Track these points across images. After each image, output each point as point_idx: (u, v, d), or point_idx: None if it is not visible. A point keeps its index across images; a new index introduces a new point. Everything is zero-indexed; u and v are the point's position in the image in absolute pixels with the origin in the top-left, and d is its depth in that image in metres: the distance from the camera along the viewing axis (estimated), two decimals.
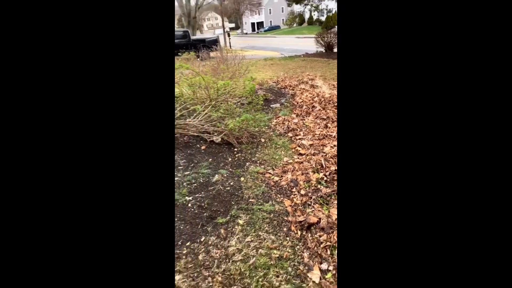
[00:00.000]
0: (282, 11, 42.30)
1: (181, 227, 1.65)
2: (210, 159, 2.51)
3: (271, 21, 41.99)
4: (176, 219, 1.70)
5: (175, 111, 2.90)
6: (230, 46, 15.46)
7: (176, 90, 3.15)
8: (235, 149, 2.78)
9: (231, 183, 2.15)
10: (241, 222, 1.72)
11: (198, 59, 10.06)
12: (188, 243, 1.53)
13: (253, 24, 43.08)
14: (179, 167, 2.29)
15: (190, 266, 1.38)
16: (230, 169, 2.38)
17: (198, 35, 14.52)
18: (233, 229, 1.66)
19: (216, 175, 2.22)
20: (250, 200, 1.96)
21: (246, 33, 39.90)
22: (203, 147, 2.74)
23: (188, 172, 2.21)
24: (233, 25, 43.47)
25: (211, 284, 1.29)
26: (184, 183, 2.06)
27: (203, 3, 17.77)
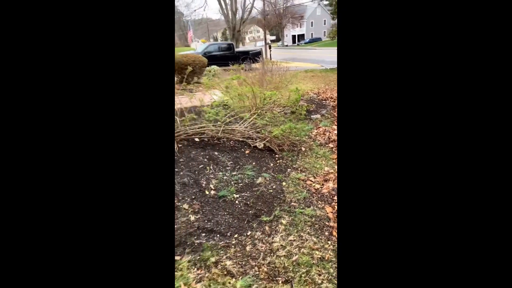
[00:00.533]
0: (324, 24, 42.23)
1: (230, 221, 1.81)
2: (254, 163, 2.68)
3: (312, 34, 42.14)
4: (225, 213, 1.88)
5: (224, 117, 3.14)
6: (271, 58, 15.88)
7: (225, 98, 3.42)
8: (277, 156, 2.92)
9: (274, 186, 2.28)
10: (284, 222, 1.83)
11: (242, 70, 10.59)
12: (236, 235, 1.68)
13: (294, 36, 43.66)
14: (227, 167, 2.49)
15: (238, 255, 1.53)
16: (272, 174, 2.52)
17: (241, 47, 15.22)
18: (277, 228, 1.77)
19: (260, 177, 2.37)
20: (292, 203, 2.06)
21: (287, 45, 40.53)
22: (247, 152, 2.93)
23: (235, 173, 2.40)
24: (274, 37, 44.52)
25: (257, 272, 1.41)
26: (232, 182, 2.24)
27: (248, 18, 18.61)
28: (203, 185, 2.18)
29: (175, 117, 3.16)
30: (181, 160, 2.63)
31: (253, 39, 44.68)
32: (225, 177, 2.31)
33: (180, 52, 15.45)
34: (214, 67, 8.16)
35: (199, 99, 3.66)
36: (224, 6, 17.83)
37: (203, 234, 1.66)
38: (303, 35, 42.62)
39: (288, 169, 2.65)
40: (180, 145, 3.00)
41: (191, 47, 25.15)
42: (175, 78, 7.02)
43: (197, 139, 3.16)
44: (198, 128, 3.15)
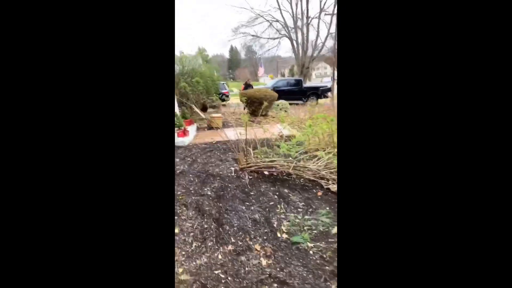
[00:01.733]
0: None
1: (304, 274, 1.60)
2: (328, 208, 2.44)
3: None
4: (299, 264, 1.68)
5: (296, 153, 3.05)
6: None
7: (298, 133, 3.36)
8: None
9: None
10: None
11: (307, 104, 10.66)
12: None
13: None
14: (298, 209, 2.32)
15: None
16: None
17: (308, 83, 15.46)
18: None
19: (335, 227, 2.12)
20: None
21: None
22: (319, 193, 2.71)
23: (308, 217, 2.20)
24: None
25: None
26: (305, 227, 2.05)
27: (317, 55, 19.10)
28: (275, 225, 2.05)
29: (249, 148, 3.21)
30: (252, 193, 2.58)
31: (319, 75, 45.33)
32: (297, 220, 2.14)
33: (242, 84, 16.60)
34: (282, 101, 8.37)
35: (271, 133, 3.68)
36: (295, 45, 18.80)
37: (275, 285, 1.49)
38: None
39: None
40: (250, 177, 2.99)
41: (261, 81, 26.86)
42: (246, 110, 7.40)
43: (266, 173, 3.12)
44: (269, 161, 3.11)
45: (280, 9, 19.24)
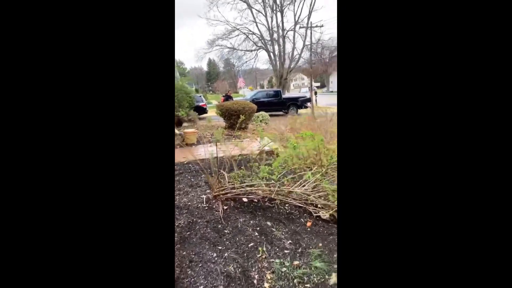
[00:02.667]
0: None
1: None
2: (320, 243, 1.98)
3: None
4: None
5: (279, 175, 2.60)
6: (317, 103, 15.65)
7: (281, 150, 2.93)
8: None
9: None
10: None
11: (287, 115, 10.39)
12: None
13: None
14: (285, 250, 1.84)
15: None
16: None
17: (287, 94, 15.35)
18: None
19: (334, 274, 1.66)
20: None
21: (332, 91, 40.67)
22: (308, 223, 2.26)
23: (298, 262, 1.73)
24: (318, 84, 45.40)
25: None
26: (295, 280, 1.57)
27: (295, 67, 19.24)
28: (255, 280, 1.55)
29: (223, 172, 2.72)
30: (226, 231, 2.07)
31: (297, 86, 46.11)
32: (284, 268, 1.66)
33: (222, 95, 16.22)
34: (262, 113, 8.01)
35: (250, 150, 3.22)
36: (273, 57, 18.82)
37: None
38: None
39: None
40: (225, 207, 2.48)
41: (240, 93, 26.61)
42: (224, 124, 6.93)
43: (245, 199, 2.63)
44: (248, 186, 2.63)
45: (256, 22, 19.33)
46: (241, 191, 2.60)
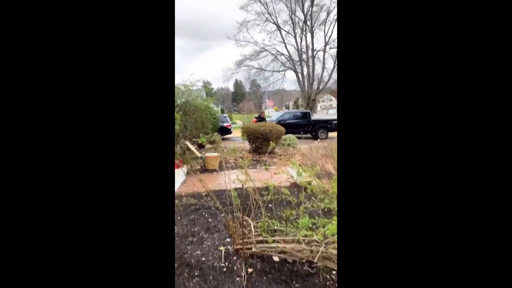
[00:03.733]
0: None
1: None
2: None
3: None
4: None
5: (324, 230, 1.92)
6: None
7: (314, 183, 2.27)
8: None
9: None
10: None
11: (318, 140, 9.64)
12: None
13: None
14: None
15: None
16: None
17: (315, 116, 14.63)
18: None
19: None
20: None
21: None
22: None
23: None
24: None
25: None
26: None
27: (323, 88, 18.67)
28: None
29: (248, 219, 2.10)
30: None
31: (325, 107, 45.24)
32: None
33: (254, 116, 15.88)
34: (290, 136, 7.40)
35: (279, 179, 2.59)
36: (301, 78, 18.47)
37: None
38: None
39: None
40: (250, 269, 1.84)
41: (265, 114, 26.36)
42: (249, 147, 6.41)
43: (276, 258, 1.97)
44: (280, 241, 1.98)
45: (284, 43, 19.32)
46: (271, 246, 1.95)
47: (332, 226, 1.36)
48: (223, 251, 2.06)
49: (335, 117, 12.78)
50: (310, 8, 18.35)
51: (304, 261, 1.92)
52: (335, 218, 1.74)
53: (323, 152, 5.30)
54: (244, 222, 2.12)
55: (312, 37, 18.87)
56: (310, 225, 1.94)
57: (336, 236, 1.86)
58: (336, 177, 2.65)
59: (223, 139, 9.82)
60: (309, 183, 2.83)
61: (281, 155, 6.47)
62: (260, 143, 6.20)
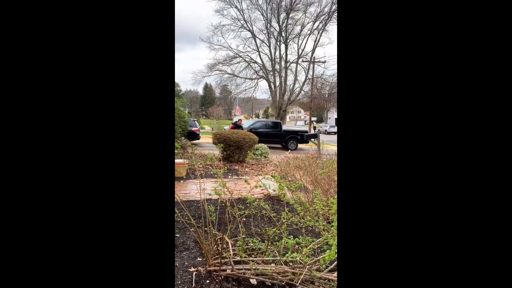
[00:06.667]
0: None
1: None
2: None
3: None
4: None
5: (307, 248, 1.78)
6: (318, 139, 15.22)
7: (289, 196, 2.15)
8: None
9: None
10: None
11: (288, 151, 9.69)
12: None
13: (336, 119, 44.60)
14: None
15: None
16: None
17: (284, 127, 14.81)
18: None
19: None
20: None
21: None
22: None
23: None
24: (315, 118, 46.05)
25: None
26: None
27: (295, 99, 19.18)
28: None
29: (225, 237, 1.88)
30: None
31: (293, 119, 46.57)
32: None
33: (225, 125, 15.58)
34: (262, 145, 7.31)
35: (250, 189, 2.42)
36: (273, 88, 18.75)
37: None
38: None
39: None
40: None
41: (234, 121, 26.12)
42: (219, 154, 6.16)
43: (253, 281, 1.79)
44: (259, 262, 1.81)
45: (259, 51, 19.53)
46: (250, 268, 1.76)
47: (330, 252, 1.22)
48: (193, 273, 1.81)
49: (304, 128, 13.08)
50: (286, 20, 18.91)
51: (283, 283, 1.76)
52: (330, 241, 1.61)
53: (298, 164, 5.27)
54: (219, 240, 1.91)
55: (286, 48, 19.42)
56: (295, 244, 1.79)
57: (320, 258, 1.74)
58: (316, 192, 2.56)
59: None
60: (283, 195, 2.69)
61: (253, 164, 6.32)
62: (232, 151, 5.99)
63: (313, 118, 27.82)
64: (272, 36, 19.27)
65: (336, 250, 1.31)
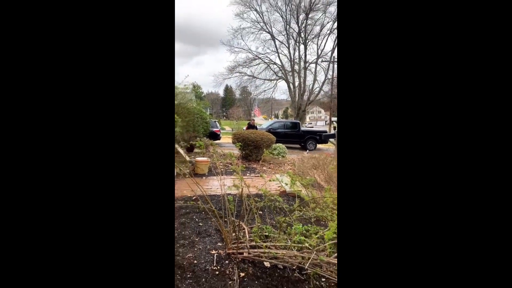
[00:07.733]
0: None
1: None
2: None
3: None
4: None
5: (315, 238, 1.98)
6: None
7: (304, 193, 2.34)
8: None
9: None
10: None
11: (307, 151, 9.79)
12: None
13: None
14: None
15: None
16: None
17: (303, 127, 14.86)
18: None
19: None
20: None
21: None
22: None
23: None
24: (335, 118, 45.25)
25: None
26: None
27: (314, 99, 19.09)
28: None
29: (242, 224, 2.14)
30: None
31: (313, 119, 46.08)
32: None
33: (244, 126, 15.89)
34: (280, 145, 7.50)
35: (268, 186, 2.64)
36: (292, 88, 18.83)
37: None
38: None
39: None
40: (242, 273, 1.87)
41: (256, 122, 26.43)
42: (238, 153, 6.44)
43: (267, 263, 2.01)
44: (271, 246, 2.03)
45: (278, 52, 19.71)
46: (264, 251, 1.99)
47: (328, 232, 1.42)
48: (215, 255, 2.08)
49: (323, 128, 13.06)
50: (305, 21, 18.92)
51: (294, 267, 1.97)
52: (329, 224, 1.81)
53: (313, 163, 5.42)
54: (237, 227, 2.16)
55: (305, 49, 19.41)
56: (304, 232, 2.00)
57: (327, 244, 1.94)
58: (327, 187, 2.74)
59: (211, 145, 9.79)
60: (299, 192, 2.90)
61: (270, 163, 6.53)
62: (251, 150, 6.25)
63: (334, 118, 27.43)
64: (291, 37, 19.40)
65: (335, 231, 1.50)
